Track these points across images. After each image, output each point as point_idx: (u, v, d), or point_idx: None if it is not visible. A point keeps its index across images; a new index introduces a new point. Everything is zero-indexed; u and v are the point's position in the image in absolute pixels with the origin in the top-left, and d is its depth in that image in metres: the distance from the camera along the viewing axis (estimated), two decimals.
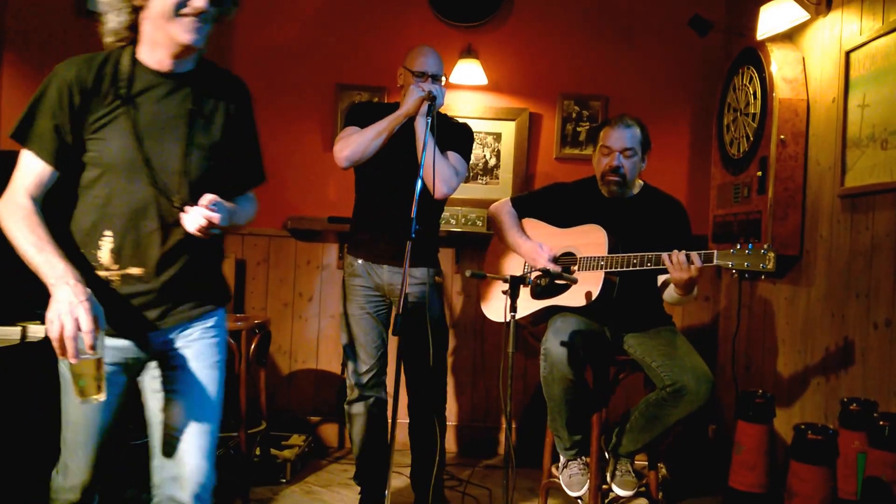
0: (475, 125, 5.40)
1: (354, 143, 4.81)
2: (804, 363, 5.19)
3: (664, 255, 4.35)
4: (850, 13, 4.85)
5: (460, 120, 5.32)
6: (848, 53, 4.77)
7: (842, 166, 4.78)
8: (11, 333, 4.23)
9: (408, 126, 4.86)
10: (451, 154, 4.95)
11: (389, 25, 6.87)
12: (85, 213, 3.13)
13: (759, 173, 5.38)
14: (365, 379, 5.05)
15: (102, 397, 2.81)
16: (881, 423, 3.70)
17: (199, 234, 3.07)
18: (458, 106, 6.73)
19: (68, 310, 2.73)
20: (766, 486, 4.53)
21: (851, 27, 4.83)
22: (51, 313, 2.75)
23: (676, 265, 4.30)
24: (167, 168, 3.12)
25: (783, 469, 4.20)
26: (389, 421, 4.28)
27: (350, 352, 5.08)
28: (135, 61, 3.11)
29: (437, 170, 4.73)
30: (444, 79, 5.05)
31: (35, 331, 4.32)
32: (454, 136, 5.05)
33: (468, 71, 6.62)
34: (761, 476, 4.51)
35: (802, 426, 4.01)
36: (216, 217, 3.04)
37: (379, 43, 6.85)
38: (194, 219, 3.05)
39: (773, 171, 5.29)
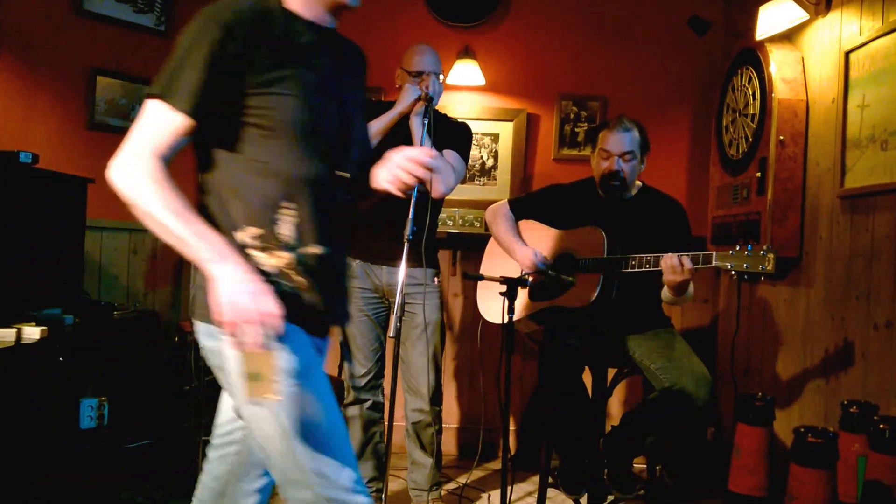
0: (472, 126, 5.36)
1: None
2: (804, 365, 5.17)
3: (664, 257, 4.33)
4: (850, 13, 4.82)
5: (458, 120, 5.33)
6: (847, 54, 4.75)
7: (841, 167, 4.76)
8: (6, 336, 4.21)
9: (405, 125, 4.87)
10: (448, 153, 4.95)
11: (385, 25, 6.84)
12: (251, 184, 2.63)
13: (759, 174, 5.36)
14: (362, 382, 5.06)
15: (279, 398, 2.42)
16: (882, 426, 3.68)
17: (402, 187, 2.90)
18: (456, 106, 6.69)
19: (248, 290, 2.38)
20: (766, 489, 4.51)
21: (851, 27, 4.80)
22: (224, 295, 2.37)
23: (668, 269, 4.28)
24: (335, 131, 2.79)
25: (783, 472, 4.18)
26: (386, 423, 4.26)
27: (347, 354, 5.09)
28: (286, 11, 2.72)
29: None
30: (442, 76, 5.04)
31: (30, 332, 4.30)
32: (452, 135, 5.07)
33: (465, 71, 6.61)
34: (761, 479, 4.49)
35: (802, 429, 3.99)
36: (432, 156, 2.84)
37: (374, 43, 6.69)
38: (402, 167, 2.89)
39: (773, 171, 5.26)
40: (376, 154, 4.85)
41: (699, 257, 4.28)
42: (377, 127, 4.81)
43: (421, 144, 4.52)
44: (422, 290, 4.98)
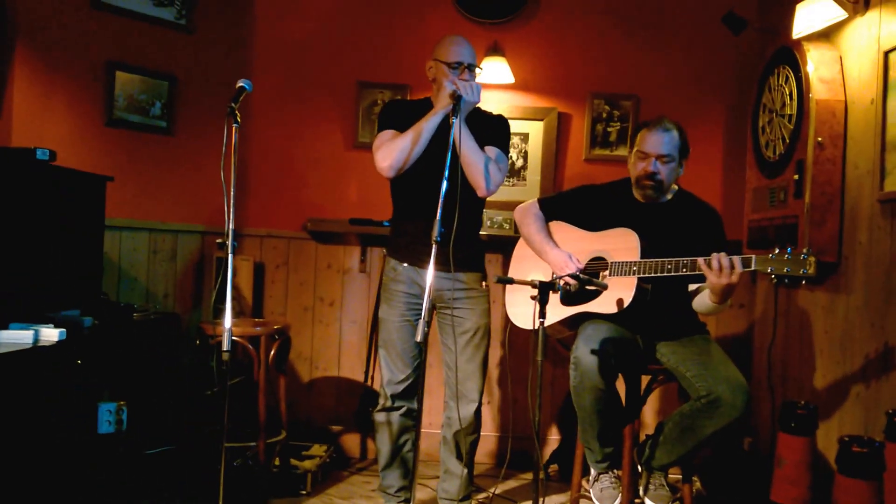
0: None
1: (396, 151, 4.71)
2: (843, 373, 5.04)
3: (702, 260, 4.19)
4: (889, 12, 4.70)
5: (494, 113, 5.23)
6: (887, 53, 4.63)
7: (881, 170, 4.63)
8: (24, 337, 4.16)
9: (444, 125, 4.75)
10: (489, 149, 4.85)
11: (412, 22, 6.80)
12: None
13: (796, 177, 5.23)
14: (401, 388, 4.98)
15: None
16: None
17: None
18: (484, 105, 6.43)
19: None
20: (810, 500, 4.42)
21: (890, 27, 4.68)
22: None
23: (716, 270, 4.14)
24: None
25: (824, 483, 4.08)
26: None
27: (386, 360, 5.01)
28: None
29: (476, 167, 4.70)
30: (479, 69, 4.94)
31: (48, 334, 4.29)
32: (490, 130, 4.97)
33: (494, 69, 6.50)
34: (804, 490, 4.40)
35: (846, 438, 3.93)
36: None
37: (401, 40, 6.78)
38: None
39: (810, 174, 5.14)
40: (425, 155, 4.78)
41: (740, 260, 4.15)
42: (420, 130, 4.73)
43: (459, 143, 4.43)
44: (470, 294, 4.95)
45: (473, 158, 4.70)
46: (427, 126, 4.72)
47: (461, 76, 4.76)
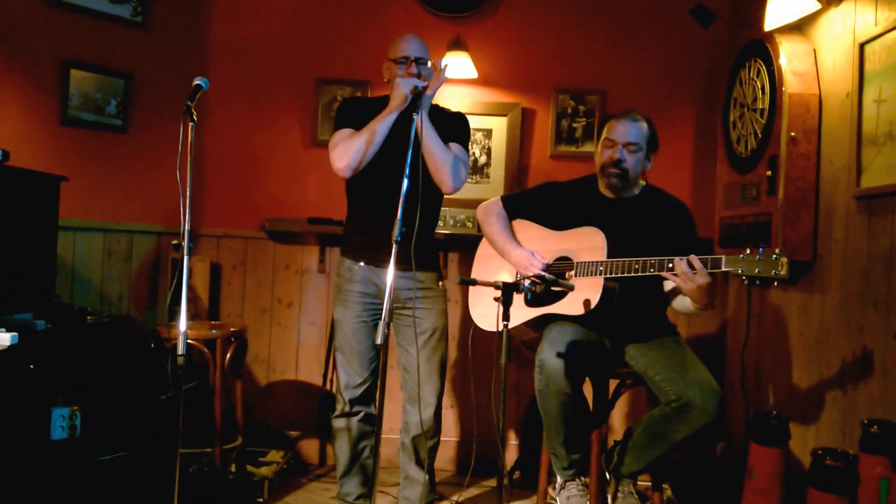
0: None
1: (352, 151, 4.65)
2: (819, 376, 4.95)
3: (673, 260, 4.10)
4: (865, 3, 4.63)
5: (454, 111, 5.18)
6: (862, 45, 4.54)
7: (857, 166, 4.54)
8: None
9: (402, 122, 4.66)
10: (452, 145, 4.82)
11: (372, 17, 6.72)
12: None
13: (769, 173, 5.14)
14: (358, 392, 4.92)
15: None
16: None
17: None
18: (447, 101, 6.41)
19: None
20: None
21: (866, 18, 4.59)
22: None
23: (681, 275, 4.05)
24: None
25: (799, 494, 3.98)
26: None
27: (342, 363, 4.94)
28: None
29: (441, 163, 4.65)
30: (430, 62, 4.87)
31: (0, 339, 4.22)
32: (451, 127, 4.92)
33: (457, 64, 6.40)
34: (776, 503, 4.29)
35: (820, 451, 3.86)
36: None
37: (361, 35, 6.69)
38: None
39: (784, 170, 5.05)
40: (382, 152, 4.69)
41: (707, 261, 4.05)
42: (375, 129, 4.67)
43: (411, 142, 4.31)
44: (428, 294, 4.91)
45: (438, 154, 4.64)
46: (381, 125, 4.66)
47: (408, 70, 4.71)
